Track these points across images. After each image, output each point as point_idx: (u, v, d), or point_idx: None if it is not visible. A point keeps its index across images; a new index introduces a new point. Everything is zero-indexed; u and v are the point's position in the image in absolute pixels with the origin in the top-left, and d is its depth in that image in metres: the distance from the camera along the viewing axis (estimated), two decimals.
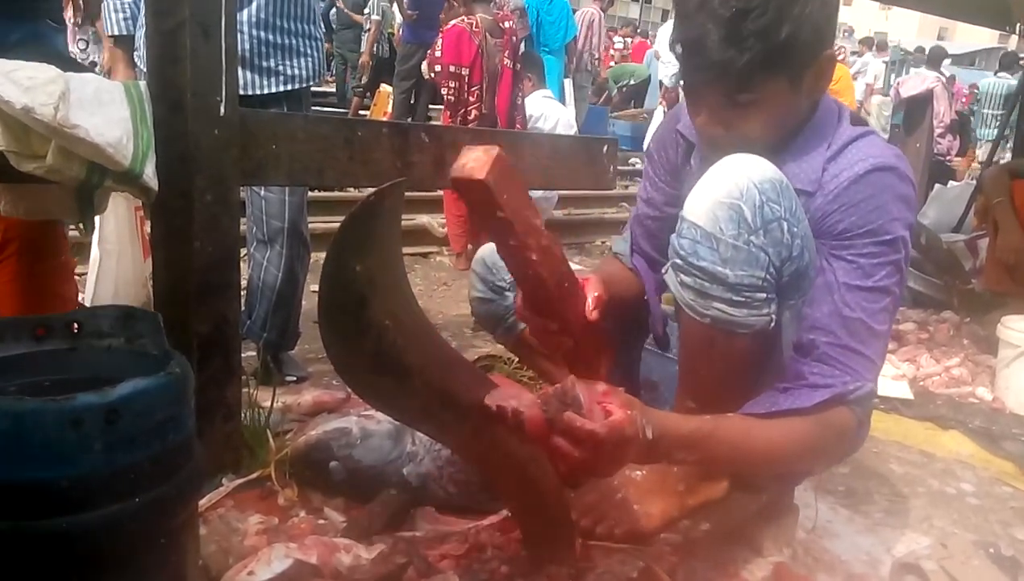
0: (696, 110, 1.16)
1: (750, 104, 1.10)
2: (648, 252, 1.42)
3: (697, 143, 1.30)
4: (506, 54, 4.02)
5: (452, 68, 3.96)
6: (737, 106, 1.10)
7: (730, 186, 1.05)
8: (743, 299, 1.06)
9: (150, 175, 1.25)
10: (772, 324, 1.10)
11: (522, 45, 4.25)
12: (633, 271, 1.43)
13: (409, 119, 6.73)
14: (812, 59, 1.10)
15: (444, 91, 4.08)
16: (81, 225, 1.48)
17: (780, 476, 1.26)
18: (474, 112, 3.99)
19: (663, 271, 1.18)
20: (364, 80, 7.96)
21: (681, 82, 1.20)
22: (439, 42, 4.14)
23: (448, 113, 4.13)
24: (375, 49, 7.93)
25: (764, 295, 1.07)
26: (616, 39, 12.08)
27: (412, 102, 7.13)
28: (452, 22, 4.15)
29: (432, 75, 4.07)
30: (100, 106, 1.19)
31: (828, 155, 1.15)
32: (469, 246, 4.31)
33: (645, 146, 1.52)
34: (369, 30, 7.84)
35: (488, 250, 1.54)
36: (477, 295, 1.51)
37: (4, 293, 1.59)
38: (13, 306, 1.59)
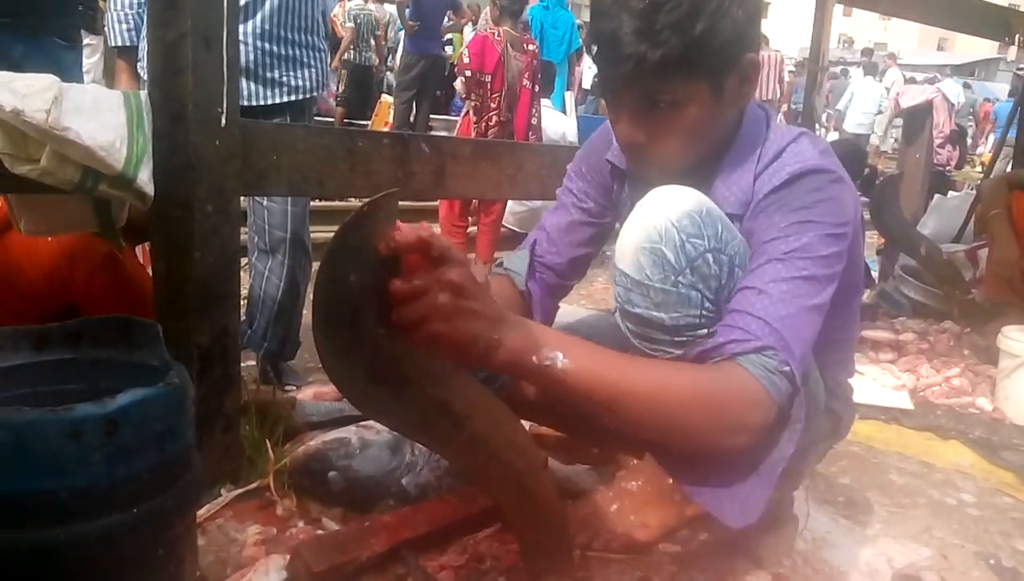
0: (616, 115, 1.12)
1: (670, 108, 1.06)
2: (562, 265, 1.32)
3: (628, 169, 1.25)
4: (526, 75, 4.17)
5: (478, 75, 4.11)
6: (657, 111, 1.07)
7: (648, 230, 1.03)
8: (685, 339, 1.05)
9: (144, 180, 1.25)
10: None
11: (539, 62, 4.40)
12: (523, 295, 1.30)
13: (410, 129, 6.78)
14: (732, 61, 1.06)
15: (470, 98, 4.21)
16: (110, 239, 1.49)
17: (675, 432, 1.01)
18: (495, 118, 4.12)
19: (612, 311, 1.14)
20: (341, 87, 8.01)
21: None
22: (465, 50, 4.30)
23: (470, 119, 4.25)
24: (359, 58, 7.97)
25: (705, 331, 1.05)
26: None
27: (413, 112, 7.18)
28: (475, 31, 4.35)
29: (462, 79, 4.20)
30: (97, 113, 1.20)
31: (758, 170, 1.11)
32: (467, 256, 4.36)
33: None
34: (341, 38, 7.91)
35: None
36: None
37: (105, 303, 1.61)
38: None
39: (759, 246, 1.07)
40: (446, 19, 7.26)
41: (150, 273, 1.85)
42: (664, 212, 1.03)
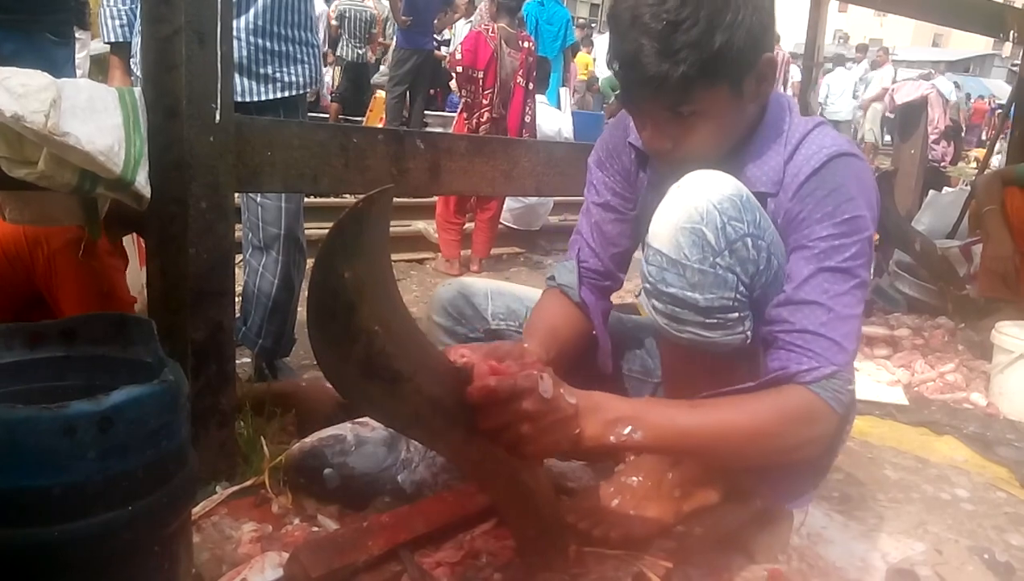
0: (641, 125, 1.15)
1: (693, 116, 1.08)
2: (605, 267, 1.34)
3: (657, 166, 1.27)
4: (521, 72, 4.18)
5: (470, 71, 4.11)
6: (680, 119, 1.09)
7: (690, 210, 1.05)
8: (716, 321, 1.06)
9: (142, 182, 1.25)
10: (748, 341, 1.09)
11: (535, 60, 4.38)
12: (580, 306, 1.33)
13: (404, 125, 6.76)
14: (750, 65, 1.08)
15: (461, 93, 4.23)
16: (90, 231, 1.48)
17: (750, 461, 1.13)
18: (486, 115, 4.13)
19: (636, 295, 1.18)
20: (336, 84, 7.98)
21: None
22: (458, 46, 4.32)
23: (463, 116, 4.26)
24: (350, 55, 7.94)
25: (737, 314, 1.07)
26: None
27: (407, 107, 7.15)
28: (468, 27, 4.36)
29: (453, 75, 4.23)
30: (93, 113, 1.19)
31: (786, 154, 1.14)
32: (462, 252, 4.36)
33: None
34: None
35: (449, 294, 1.45)
36: None
37: (66, 294, 1.59)
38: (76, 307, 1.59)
39: (810, 239, 1.08)
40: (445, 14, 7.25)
41: (131, 267, 1.84)
42: (705, 194, 1.05)
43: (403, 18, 6.72)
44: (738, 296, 1.06)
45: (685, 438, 1.03)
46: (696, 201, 1.05)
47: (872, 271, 1.13)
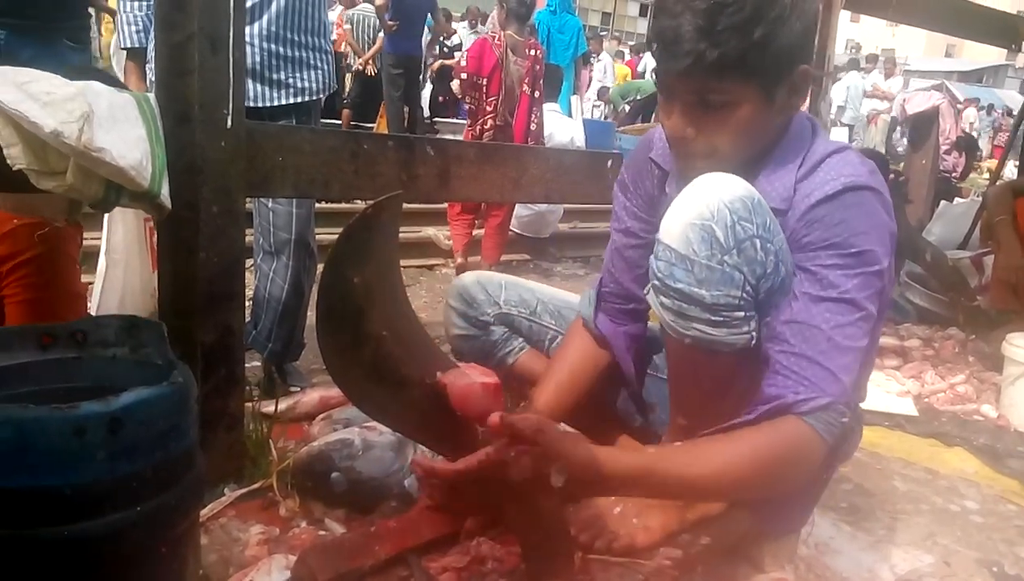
0: (668, 109, 1.14)
1: (722, 107, 1.08)
2: (626, 290, 1.36)
3: (671, 169, 1.28)
4: (527, 80, 4.18)
5: (474, 78, 4.13)
6: (708, 107, 1.09)
7: (701, 207, 1.05)
8: (721, 319, 1.07)
9: (166, 194, 1.26)
10: (753, 342, 1.09)
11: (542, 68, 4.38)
12: (599, 339, 1.37)
13: (407, 130, 6.77)
14: (786, 69, 1.08)
15: (466, 100, 4.24)
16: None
17: (747, 495, 1.17)
18: (490, 121, 4.14)
19: (644, 292, 1.18)
20: (348, 91, 8.01)
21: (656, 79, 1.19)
22: (464, 52, 4.34)
23: (468, 122, 4.27)
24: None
25: (742, 314, 1.07)
26: None
27: (404, 113, 7.16)
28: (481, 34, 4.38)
29: (458, 81, 4.24)
30: (115, 123, 1.19)
31: (800, 173, 1.13)
32: (471, 258, 4.37)
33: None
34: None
35: (467, 282, 1.51)
36: (459, 333, 1.48)
37: (12, 314, 1.59)
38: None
39: (815, 264, 1.08)
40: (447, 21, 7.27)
41: (143, 270, 1.83)
42: (717, 192, 1.06)
43: (389, 24, 6.67)
44: (744, 295, 1.06)
45: (692, 489, 1.06)
46: (708, 199, 1.06)
47: (880, 305, 1.12)
